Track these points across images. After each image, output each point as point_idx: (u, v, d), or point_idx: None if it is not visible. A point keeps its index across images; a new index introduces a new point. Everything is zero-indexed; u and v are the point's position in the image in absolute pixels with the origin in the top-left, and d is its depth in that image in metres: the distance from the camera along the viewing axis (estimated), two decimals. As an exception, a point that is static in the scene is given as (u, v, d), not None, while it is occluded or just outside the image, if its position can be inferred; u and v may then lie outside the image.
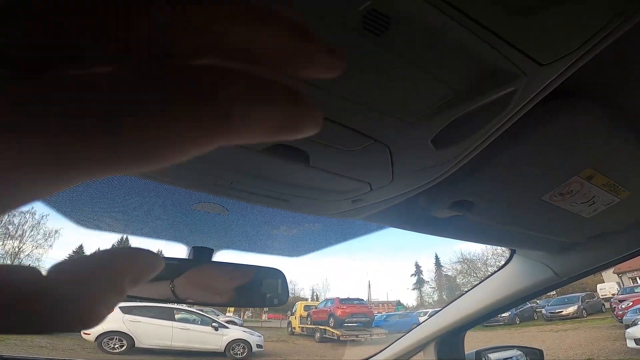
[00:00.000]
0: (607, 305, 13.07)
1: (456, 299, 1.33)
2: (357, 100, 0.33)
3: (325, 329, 12.15)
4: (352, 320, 12.40)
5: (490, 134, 0.42)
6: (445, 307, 1.36)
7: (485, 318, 1.24)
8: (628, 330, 6.88)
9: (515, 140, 0.50)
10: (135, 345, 7.38)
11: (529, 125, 0.48)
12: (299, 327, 14.07)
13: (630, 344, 6.63)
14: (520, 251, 1.10)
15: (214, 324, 8.55)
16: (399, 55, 0.29)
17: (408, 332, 1.46)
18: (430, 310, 18.02)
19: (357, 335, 11.50)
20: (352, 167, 0.46)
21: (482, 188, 0.61)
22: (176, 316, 8.23)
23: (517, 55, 0.30)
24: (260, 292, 0.90)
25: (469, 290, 1.29)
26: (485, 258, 27.87)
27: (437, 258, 38.28)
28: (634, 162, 0.58)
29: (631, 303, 9.78)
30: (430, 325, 1.36)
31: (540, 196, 0.64)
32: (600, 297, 14.56)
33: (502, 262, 1.19)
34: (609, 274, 17.73)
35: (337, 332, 11.58)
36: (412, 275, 40.81)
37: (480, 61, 0.30)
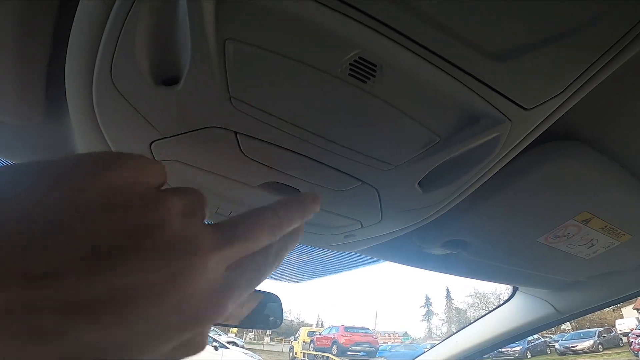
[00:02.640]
0: (624, 339, 12.42)
1: (456, 333, 1.31)
2: (343, 144, 0.34)
3: (327, 356, 11.74)
4: (356, 349, 11.98)
5: (478, 178, 0.42)
6: (444, 340, 1.34)
7: (484, 352, 1.22)
8: None
9: (506, 183, 0.50)
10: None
11: (520, 168, 0.48)
12: (301, 352, 13.64)
13: None
14: (522, 288, 1.09)
15: (214, 343, 8.36)
16: (384, 101, 0.29)
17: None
18: (437, 343, 17.25)
19: (359, 365, 11.06)
20: (342, 205, 0.47)
21: (475, 228, 0.60)
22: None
23: (501, 101, 0.30)
24: (261, 315, 0.92)
25: (470, 324, 1.27)
26: (498, 293, 26.82)
27: (447, 290, 37.17)
28: (631, 205, 0.56)
29: (649, 337, 9.36)
30: (430, 358, 1.34)
31: (535, 238, 0.62)
32: (619, 332, 13.86)
33: None
34: (628, 310, 16.99)
35: (339, 361, 11.16)
36: (421, 306, 39.68)
37: (465, 107, 0.30)
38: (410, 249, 0.71)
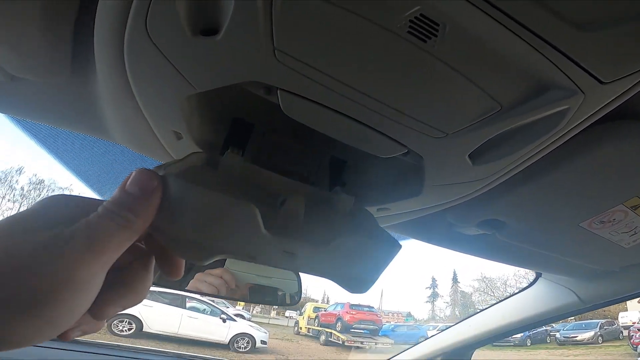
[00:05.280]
0: (625, 333, 12.49)
1: (470, 316, 1.31)
2: (394, 106, 0.31)
3: (331, 332, 12.12)
4: (360, 326, 12.32)
5: (535, 154, 0.39)
6: (457, 322, 1.34)
7: (499, 337, 1.22)
8: None
9: (559, 163, 0.47)
10: (143, 330, 7.57)
11: (575, 148, 0.45)
12: (306, 327, 14.09)
13: None
14: (547, 274, 1.06)
15: (222, 315, 8.66)
16: (444, 63, 0.27)
17: (415, 345, 1.44)
18: (440, 325, 17.67)
19: (362, 342, 11.42)
20: (381, 174, 0.45)
21: (517, 208, 0.58)
22: (187, 304, 8.37)
23: (576, 71, 0.27)
24: (275, 290, 0.92)
25: (486, 308, 1.27)
26: (505, 278, 26.97)
27: (455, 273, 37.51)
28: None
29: (650, 332, 9.38)
30: (440, 340, 1.34)
31: (579, 222, 0.60)
32: (620, 324, 13.91)
33: (523, 285, 1.16)
34: (634, 303, 16.92)
35: (343, 337, 11.52)
36: (427, 288, 40.32)
37: (535, 74, 0.28)
38: (441, 228, 0.69)
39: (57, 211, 0.25)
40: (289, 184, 0.39)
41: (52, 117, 0.50)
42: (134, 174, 0.27)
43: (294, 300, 0.95)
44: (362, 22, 0.24)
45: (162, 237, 0.28)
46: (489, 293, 28.26)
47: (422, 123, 0.33)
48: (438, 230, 0.71)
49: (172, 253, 0.29)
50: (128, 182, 0.26)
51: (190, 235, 0.29)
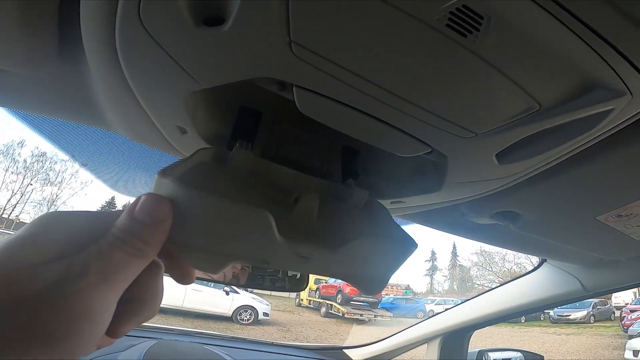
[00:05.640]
0: (617, 313, 12.80)
1: (471, 299, 1.33)
2: (422, 105, 0.29)
3: (331, 305, 12.47)
4: (360, 299, 12.62)
5: (567, 152, 0.37)
6: (458, 304, 1.37)
7: (499, 321, 1.24)
8: (630, 341, 6.83)
9: (582, 159, 0.44)
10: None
11: (600, 145, 0.42)
12: (307, 299, 14.49)
13: (628, 355, 6.61)
14: (552, 260, 1.06)
15: (226, 287, 8.84)
16: (483, 60, 0.24)
17: (416, 323, 1.48)
18: (438, 299, 18.11)
19: (361, 315, 11.76)
20: (400, 171, 0.44)
21: (533, 201, 0.56)
22: (192, 277, 8.55)
23: (628, 70, 0.25)
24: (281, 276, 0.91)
25: (487, 291, 1.28)
26: (504, 253, 27.27)
27: (454, 246, 38.08)
28: None
29: (642, 314, 9.58)
30: (441, 321, 1.37)
31: (595, 215, 0.59)
32: (613, 304, 14.24)
33: (522, 260, 1.16)
34: (626, 284, 17.25)
35: (343, 309, 11.86)
36: (426, 260, 40.94)
37: (583, 72, 0.25)
38: (452, 217, 0.68)
39: (59, 234, 0.24)
40: (300, 178, 0.37)
41: (46, 108, 0.47)
42: (142, 199, 0.25)
43: (301, 287, 0.94)
44: (395, 13, 0.21)
45: (172, 247, 0.27)
46: (487, 268, 28.79)
47: (451, 123, 0.30)
48: (447, 219, 0.70)
49: (184, 263, 0.28)
50: (137, 209, 0.25)
51: (202, 244, 0.28)
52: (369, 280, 0.36)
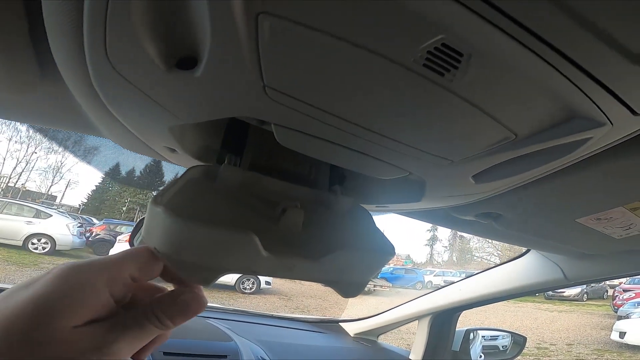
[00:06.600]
0: (610, 292, 13.00)
1: (460, 280, 1.38)
2: (398, 139, 0.29)
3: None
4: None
5: (542, 173, 0.38)
6: (447, 285, 1.43)
7: (485, 303, 1.30)
8: (617, 322, 6.86)
9: (563, 171, 0.45)
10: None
11: (582, 160, 0.43)
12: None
13: (614, 336, 6.67)
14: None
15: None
16: (459, 97, 0.24)
17: (414, 298, 1.54)
18: (437, 270, 18.39)
19: (360, 285, 12.06)
20: (381, 189, 0.46)
21: (515, 205, 0.59)
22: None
23: (611, 103, 0.25)
24: None
25: (476, 274, 1.34)
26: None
27: (456, 216, 37.97)
28: None
29: (634, 295, 9.59)
30: (430, 301, 1.43)
31: (575, 218, 0.61)
32: (607, 283, 14.44)
33: None
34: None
35: (342, 280, 12.15)
36: (427, 230, 41.21)
37: (560, 103, 0.25)
38: (439, 212, 0.71)
39: (84, 293, 0.24)
40: (287, 189, 0.39)
41: (38, 120, 0.48)
42: (189, 297, 0.30)
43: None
44: (368, 56, 0.20)
45: (169, 262, 0.30)
46: (487, 240, 29.20)
47: (427, 153, 0.31)
48: (436, 214, 0.73)
49: (180, 275, 0.31)
50: (181, 299, 0.29)
51: (193, 260, 0.30)
52: (348, 285, 0.39)
